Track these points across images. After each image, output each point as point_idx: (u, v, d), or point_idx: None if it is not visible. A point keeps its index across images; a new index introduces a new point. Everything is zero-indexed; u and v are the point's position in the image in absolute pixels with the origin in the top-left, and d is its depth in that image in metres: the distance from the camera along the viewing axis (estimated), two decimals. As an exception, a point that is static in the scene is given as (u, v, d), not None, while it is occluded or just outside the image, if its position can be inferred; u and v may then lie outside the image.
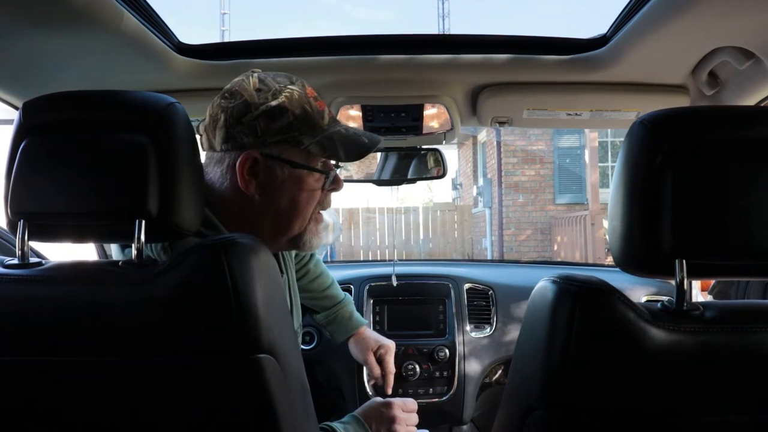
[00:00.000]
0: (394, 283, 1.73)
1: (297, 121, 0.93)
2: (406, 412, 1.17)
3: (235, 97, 0.93)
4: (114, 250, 0.96)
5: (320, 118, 0.96)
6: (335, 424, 1.04)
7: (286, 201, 0.95)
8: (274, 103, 0.92)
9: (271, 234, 0.97)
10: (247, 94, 0.93)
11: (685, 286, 0.67)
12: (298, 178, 0.95)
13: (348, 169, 1.62)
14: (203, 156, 0.97)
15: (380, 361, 1.40)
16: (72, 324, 0.71)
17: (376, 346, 1.40)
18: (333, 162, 1.02)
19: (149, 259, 0.75)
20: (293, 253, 1.27)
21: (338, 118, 1.42)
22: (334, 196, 1.06)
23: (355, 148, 0.97)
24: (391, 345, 1.42)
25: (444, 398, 1.64)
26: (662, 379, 0.66)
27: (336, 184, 1.01)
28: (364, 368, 1.63)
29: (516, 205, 9.41)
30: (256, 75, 0.96)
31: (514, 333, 1.72)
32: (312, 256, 1.41)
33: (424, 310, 1.74)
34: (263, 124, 0.92)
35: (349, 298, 1.47)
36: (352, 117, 1.45)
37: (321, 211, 1.02)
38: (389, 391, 1.39)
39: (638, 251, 0.68)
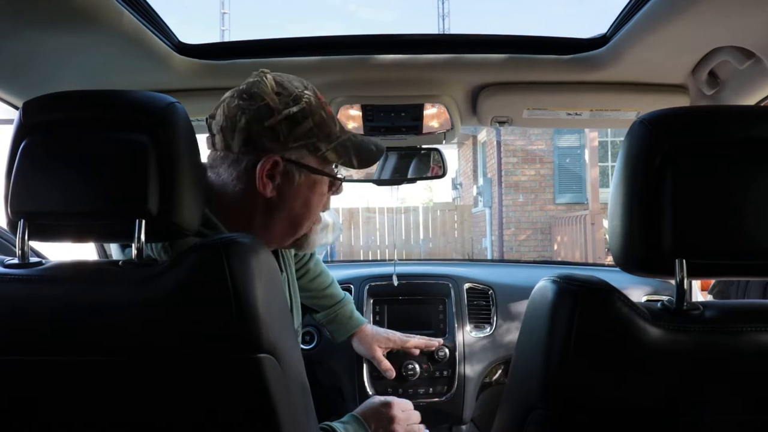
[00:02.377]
0: (395, 282, 1.73)
1: (316, 128, 0.95)
2: (404, 411, 1.17)
3: (255, 99, 0.93)
4: (114, 250, 0.96)
5: (333, 124, 0.99)
6: (335, 424, 1.04)
7: (301, 204, 0.98)
8: (295, 108, 0.93)
9: (280, 234, 1.00)
10: (269, 98, 0.93)
11: (685, 286, 0.67)
12: (313, 182, 0.98)
13: (348, 169, 1.62)
14: (211, 155, 0.98)
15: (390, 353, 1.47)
16: (72, 323, 0.71)
17: (383, 342, 1.46)
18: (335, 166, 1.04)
19: (149, 258, 0.75)
20: (292, 251, 1.27)
21: (338, 117, 1.42)
22: (334, 197, 1.08)
23: (366, 156, 1.01)
24: (396, 339, 1.48)
25: (444, 398, 1.64)
26: (662, 379, 0.66)
27: (338, 189, 1.06)
28: (364, 367, 1.63)
29: (516, 204, 9.41)
30: (270, 77, 0.95)
31: (514, 333, 1.72)
32: (312, 255, 1.42)
33: (424, 310, 1.74)
34: (286, 129, 0.93)
35: (349, 298, 1.48)
36: (352, 117, 1.45)
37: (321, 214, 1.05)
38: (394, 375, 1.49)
39: (638, 251, 0.68)
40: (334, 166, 1.03)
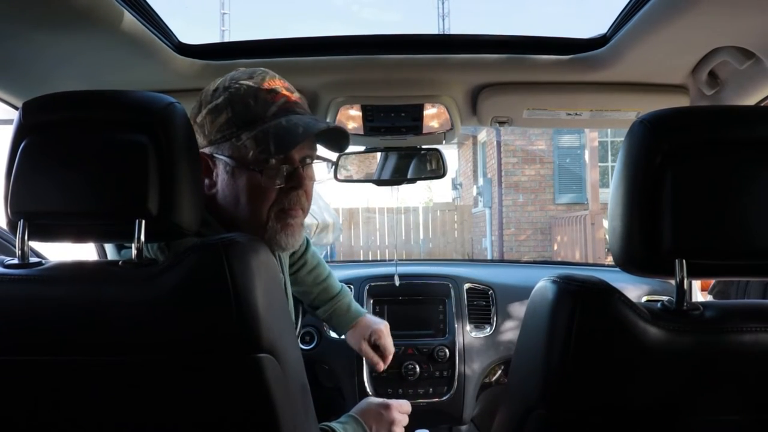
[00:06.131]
0: (397, 282, 1.73)
1: (235, 117, 0.92)
2: (401, 413, 1.17)
3: (198, 99, 0.97)
4: (109, 250, 0.96)
5: (264, 110, 0.92)
6: (333, 425, 1.04)
7: (234, 199, 0.95)
8: (218, 101, 0.93)
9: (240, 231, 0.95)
10: (203, 95, 0.96)
11: (685, 286, 0.67)
12: (240, 175, 0.93)
13: (348, 169, 1.62)
14: None
15: (376, 347, 1.40)
16: (72, 323, 0.71)
17: (368, 333, 1.39)
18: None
19: (149, 258, 0.75)
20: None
21: (338, 118, 1.42)
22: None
23: (287, 139, 0.90)
24: (383, 327, 1.40)
25: (444, 398, 1.64)
26: (662, 379, 0.66)
27: (293, 181, 0.95)
28: (364, 367, 1.63)
29: (516, 205, 9.41)
30: (224, 76, 0.97)
31: (514, 333, 1.72)
32: (308, 247, 1.40)
33: (424, 310, 1.74)
34: (208, 123, 0.94)
35: (347, 290, 1.46)
36: (352, 117, 1.45)
37: (291, 209, 0.96)
38: (382, 367, 1.40)
39: (638, 251, 0.68)
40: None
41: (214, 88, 0.96)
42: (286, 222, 0.96)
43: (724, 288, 2.15)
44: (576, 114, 1.43)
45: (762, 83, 1.15)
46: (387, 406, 1.15)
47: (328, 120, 1.43)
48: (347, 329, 1.42)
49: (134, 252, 0.72)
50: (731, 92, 1.22)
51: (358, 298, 1.72)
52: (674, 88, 1.30)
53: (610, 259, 4.19)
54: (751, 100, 1.22)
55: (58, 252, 1.07)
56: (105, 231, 0.77)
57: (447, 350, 1.65)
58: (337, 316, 1.42)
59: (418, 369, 1.63)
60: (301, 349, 1.42)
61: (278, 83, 0.96)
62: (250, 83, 0.94)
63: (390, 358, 1.40)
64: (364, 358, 1.63)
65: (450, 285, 1.76)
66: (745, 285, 2.00)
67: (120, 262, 0.74)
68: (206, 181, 0.96)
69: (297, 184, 0.96)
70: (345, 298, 1.44)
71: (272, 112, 0.93)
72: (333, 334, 1.70)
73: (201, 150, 0.95)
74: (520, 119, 1.47)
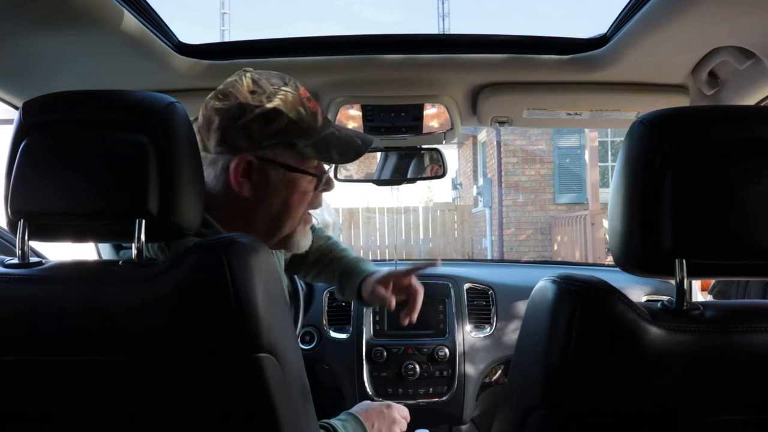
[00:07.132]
0: None
1: (291, 124, 0.93)
2: (400, 416, 1.18)
3: (229, 98, 0.93)
4: (107, 251, 0.95)
5: (314, 120, 0.96)
6: (334, 422, 1.04)
7: (279, 203, 0.96)
8: (269, 105, 0.92)
9: (262, 234, 0.97)
10: (242, 96, 0.93)
11: (685, 286, 0.67)
12: (291, 180, 0.96)
13: (348, 169, 1.63)
14: None
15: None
16: (72, 323, 0.71)
17: (385, 277, 1.27)
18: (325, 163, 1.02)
19: (149, 258, 0.75)
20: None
21: (338, 118, 1.42)
22: (332, 196, 1.07)
23: (349, 150, 0.97)
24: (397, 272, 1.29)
25: (444, 398, 1.64)
26: (662, 379, 0.66)
27: (328, 185, 1.02)
28: (364, 368, 1.63)
29: (516, 205, 9.41)
30: (249, 75, 0.95)
31: (514, 333, 1.72)
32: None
33: (424, 310, 1.72)
34: (258, 127, 0.92)
35: (352, 252, 1.38)
36: (352, 117, 1.45)
37: (311, 211, 1.03)
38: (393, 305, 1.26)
39: (638, 251, 0.68)
40: (325, 165, 1.02)
41: (251, 90, 0.93)
42: (306, 226, 1.02)
43: (724, 288, 2.15)
44: (576, 114, 1.43)
45: (762, 83, 1.15)
46: (389, 405, 1.16)
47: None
48: (360, 280, 1.31)
49: (134, 252, 0.73)
50: (731, 92, 1.22)
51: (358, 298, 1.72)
52: (674, 88, 1.30)
53: (610, 259, 4.19)
54: (751, 100, 1.22)
55: (58, 252, 1.07)
56: (105, 231, 0.77)
57: (447, 350, 1.65)
58: (347, 272, 1.33)
59: (418, 369, 1.63)
60: (301, 349, 1.42)
61: (305, 93, 0.98)
62: (292, 90, 0.95)
63: (419, 301, 1.28)
64: (364, 359, 1.63)
65: (450, 285, 1.76)
66: (745, 285, 2.00)
67: (120, 262, 0.74)
68: (246, 184, 0.94)
69: (329, 187, 1.03)
70: (350, 253, 1.36)
71: (320, 123, 0.97)
72: (333, 334, 1.70)
73: (245, 154, 0.92)
74: (520, 119, 1.47)
